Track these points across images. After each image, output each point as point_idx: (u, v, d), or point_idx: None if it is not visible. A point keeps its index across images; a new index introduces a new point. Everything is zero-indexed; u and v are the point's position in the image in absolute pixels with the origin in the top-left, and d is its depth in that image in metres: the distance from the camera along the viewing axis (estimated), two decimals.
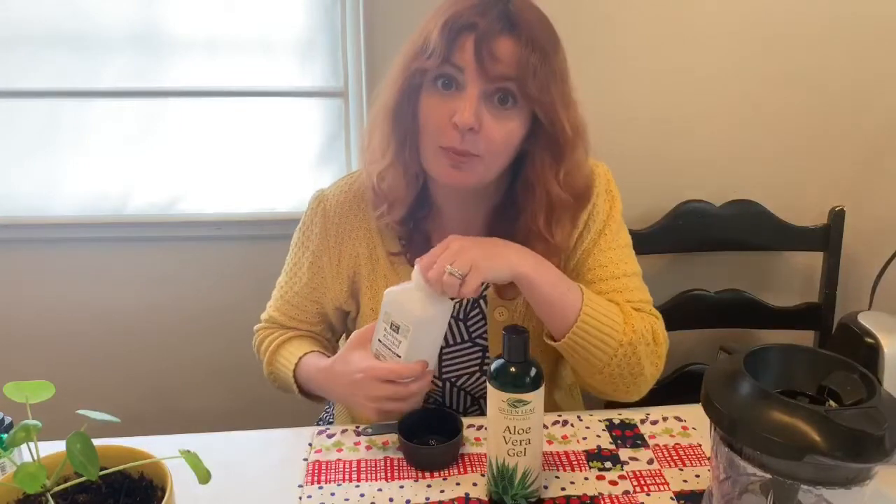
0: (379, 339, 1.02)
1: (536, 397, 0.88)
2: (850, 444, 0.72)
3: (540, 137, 1.02)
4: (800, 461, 0.74)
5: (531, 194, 1.06)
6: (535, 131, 1.02)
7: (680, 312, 1.66)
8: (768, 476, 0.79)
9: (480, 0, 0.98)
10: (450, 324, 1.14)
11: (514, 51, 0.96)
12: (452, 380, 1.16)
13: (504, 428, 0.88)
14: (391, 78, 1.04)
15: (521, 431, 0.88)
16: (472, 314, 1.14)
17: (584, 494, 0.95)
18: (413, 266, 1.10)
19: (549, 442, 1.05)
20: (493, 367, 0.90)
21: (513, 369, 0.88)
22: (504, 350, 0.89)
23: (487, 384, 0.90)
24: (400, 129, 1.04)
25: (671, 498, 0.94)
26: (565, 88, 1.02)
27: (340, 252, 1.16)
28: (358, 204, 1.15)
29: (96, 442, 0.72)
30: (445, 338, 1.14)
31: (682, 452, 1.03)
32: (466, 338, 1.15)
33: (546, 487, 0.96)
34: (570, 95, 1.03)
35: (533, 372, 0.88)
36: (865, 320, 1.00)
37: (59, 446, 0.74)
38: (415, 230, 1.13)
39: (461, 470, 1.00)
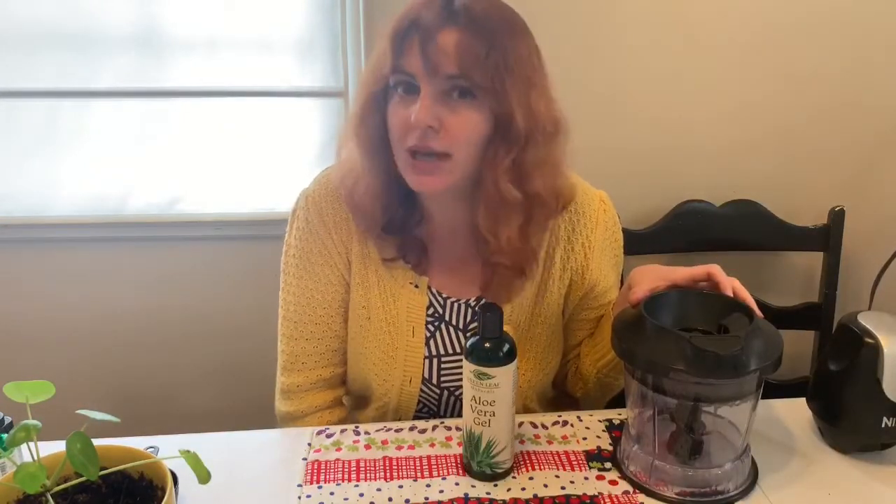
0: None
1: (501, 373, 0.93)
2: (705, 363, 0.87)
3: (497, 130, 0.99)
4: (667, 377, 0.90)
5: (480, 186, 1.02)
6: (495, 124, 0.99)
7: None
8: (671, 400, 0.94)
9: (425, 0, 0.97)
10: (449, 334, 1.14)
11: (458, 40, 0.94)
12: (451, 389, 1.16)
13: (471, 397, 0.94)
14: (357, 95, 1.04)
15: (485, 403, 0.94)
16: (471, 326, 1.14)
17: (584, 494, 0.95)
18: (415, 270, 1.10)
19: (550, 442, 1.06)
20: (469, 340, 0.95)
21: (487, 345, 0.93)
22: (479, 326, 0.94)
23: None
24: (370, 144, 1.03)
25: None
26: (530, 77, 0.98)
27: (343, 243, 1.12)
28: (340, 198, 1.12)
29: (96, 442, 0.72)
30: (444, 348, 1.14)
31: None
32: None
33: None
34: (539, 86, 1.00)
35: (505, 348, 0.93)
36: (865, 320, 1.00)
37: (59, 446, 0.74)
38: (409, 239, 1.11)
39: (460, 471, 1.00)
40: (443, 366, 1.15)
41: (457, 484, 0.97)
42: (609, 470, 1.00)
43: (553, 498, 0.95)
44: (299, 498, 0.95)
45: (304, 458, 1.02)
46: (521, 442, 1.05)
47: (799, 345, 1.72)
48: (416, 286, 1.13)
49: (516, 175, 1.00)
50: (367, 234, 1.10)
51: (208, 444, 0.84)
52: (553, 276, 1.14)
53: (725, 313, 0.97)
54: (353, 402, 1.25)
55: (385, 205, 1.06)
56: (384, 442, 1.06)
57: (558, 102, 1.02)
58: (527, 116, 0.97)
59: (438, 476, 0.99)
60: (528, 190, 1.01)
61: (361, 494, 0.95)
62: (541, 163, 1.01)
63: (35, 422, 0.73)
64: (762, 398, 0.97)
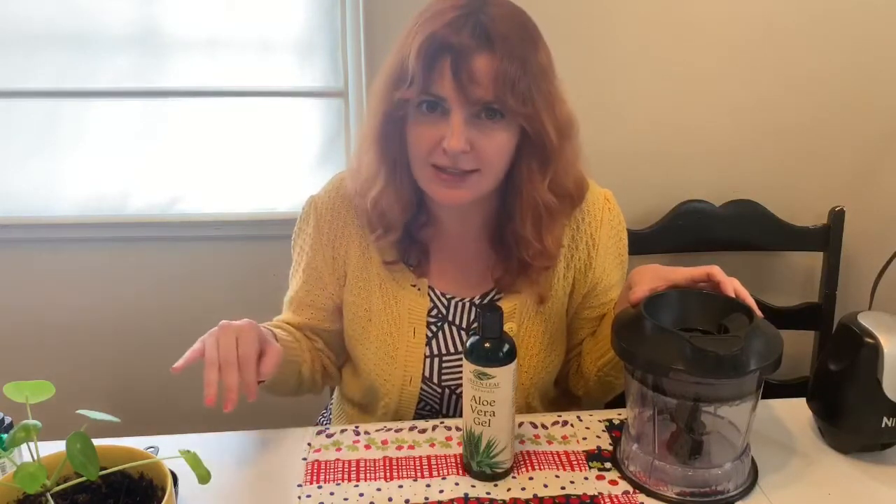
0: None
1: (501, 373, 0.92)
2: (705, 363, 0.87)
3: (526, 144, 1.01)
4: (667, 377, 0.91)
5: (519, 200, 1.05)
6: (523, 137, 1.01)
7: None
8: (671, 400, 0.94)
9: (453, 17, 0.95)
10: (452, 334, 1.14)
11: (492, 67, 0.94)
12: (452, 387, 1.16)
13: (471, 397, 0.94)
14: (374, 102, 1.03)
15: (486, 403, 0.93)
16: (474, 325, 1.14)
17: (584, 494, 0.95)
18: (416, 271, 1.10)
19: (550, 442, 1.06)
20: (469, 340, 0.95)
21: (487, 345, 0.93)
22: (479, 326, 0.94)
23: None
24: (389, 155, 1.03)
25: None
26: (549, 88, 1.00)
27: (334, 249, 1.15)
28: (347, 205, 1.13)
29: (96, 442, 0.72)
30: (446, 347, 1.15)
31: None
32: None
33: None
34: (556, 94, 1.01)
35: (505, 348, 0.93)
36: (865, 320, 1.00)
37: (59, 446, 0.74)
38: (412, 241, 1.11)
39: (460, 471, 1.00)
40: (444, 365, 1.15)
41: (457, 484, 0.97)
42: (609, 470, 1.00)
43: (553, 498, 0.95)
44: (299, 498, 0.95)
45: (304, 458, 1.02)
46: (521, 442, 1.05)
47: (799, 345, 1.72)
48: (419, 288, 1.13)
49: (553, 184, 1.04)
50: (377, 240, 1.10)
51: (208, 444, 0.85)
52: (557, 274, 1.14)
53: (725, 313, 0.97)
54: (358, 410, 1.25)
55: (408, 212, 1.08)
56: (384, 442, 1.06)
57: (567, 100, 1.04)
58: (556, 129, 1.00)
59: (438, 476, 0.99)
60: (562, 193, 1.06)
61: (361, 494, 0.95)
62: (568, 164, 1.05)
63: (35, 422, 0.74)
64: (762, 398, 0.97)
